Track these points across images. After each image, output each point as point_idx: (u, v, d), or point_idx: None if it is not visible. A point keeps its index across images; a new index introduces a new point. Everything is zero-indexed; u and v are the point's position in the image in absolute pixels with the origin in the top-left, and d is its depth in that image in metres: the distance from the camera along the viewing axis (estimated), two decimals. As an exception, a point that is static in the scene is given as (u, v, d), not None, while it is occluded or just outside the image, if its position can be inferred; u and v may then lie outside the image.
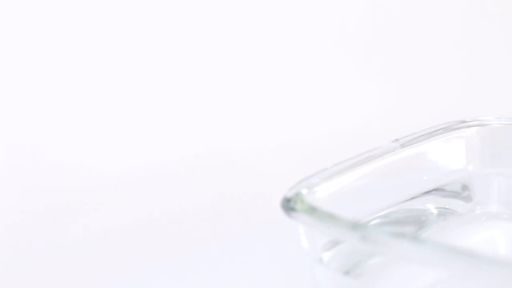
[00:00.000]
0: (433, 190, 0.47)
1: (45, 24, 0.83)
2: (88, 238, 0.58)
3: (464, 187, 0.48)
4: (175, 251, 0.59)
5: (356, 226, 0.35)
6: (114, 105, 0.78)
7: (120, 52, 0.83)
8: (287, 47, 0.88)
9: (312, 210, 0.36)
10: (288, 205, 0.37)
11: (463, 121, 0.48)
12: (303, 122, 0.82)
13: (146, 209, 0.66)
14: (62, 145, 0.76)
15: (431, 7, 0.92)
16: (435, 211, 0.47)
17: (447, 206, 0.47)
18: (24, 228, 0.63)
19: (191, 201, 0.66)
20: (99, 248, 0.57)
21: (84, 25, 0.84)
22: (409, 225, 0.45)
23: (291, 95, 0.87)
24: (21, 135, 0.76)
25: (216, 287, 0.49)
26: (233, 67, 0.87)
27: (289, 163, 0.71)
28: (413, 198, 0.46)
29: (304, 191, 0.38)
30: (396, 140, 0.47)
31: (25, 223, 0.63)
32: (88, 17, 0.83)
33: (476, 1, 0.93)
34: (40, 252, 0.57)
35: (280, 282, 0.50)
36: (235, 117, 0.84)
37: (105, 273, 0.52)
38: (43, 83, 0.79)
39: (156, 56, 0.84)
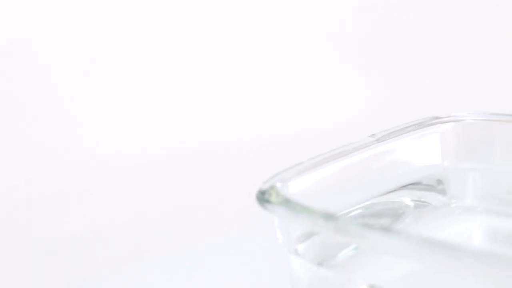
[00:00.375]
0: (409, 184, 0.48)
1: (42, 22, 0.84)
2: (68, 236, 0.60)
3: (439, 181, 0.49)
4: (159, 246, 0.60)
5: (329, 217, 0.35)
6: (98, 103, 0.79)
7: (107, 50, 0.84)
8: (273, 45, 0.89)
9: (286, 202, 0.37)
10: (263, 197, 0.38)
11: (438, 117, 0.49)
12: (288, 119, 0.84)
13: (133, 204, 0.67)
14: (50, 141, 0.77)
15: (408, 7, 0.93)
16: (411, 204, 0.48)
17: (422, 199, 0.48)
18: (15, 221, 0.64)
19: (176, 197, 0.68)
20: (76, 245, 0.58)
21: (77, 22, 0.84)
22: (385, 217, 0.46)
23: (276, 92, 0.88)
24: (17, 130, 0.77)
25: (196, 278, 0.51)
26: (219, 65, 0.88)
27: (274, 159, 0.72)
28: (389, 192, 0.47)
29: (279, 184, 0.39)
30: (373, 135, 0.48)
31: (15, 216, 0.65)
32: (80, 12, 0.84)
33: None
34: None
35: (257, 274, 0.51)
36: (222, 114, 0.85)
37: (82, 271, 0.53)
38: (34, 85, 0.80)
39: (142, 54, 0.85)
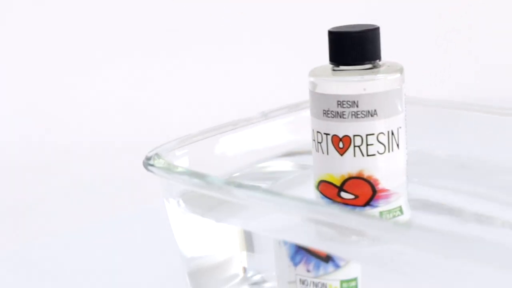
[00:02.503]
0: (289, 153, 0.57)
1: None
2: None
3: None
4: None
5: (202, 176, 0.45)
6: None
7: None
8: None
9: (168, 165, 0.47)
10: (148, 162, 0.47)
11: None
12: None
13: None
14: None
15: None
16: (289, 169, 0.57)
17: (299, 164, 0.57)
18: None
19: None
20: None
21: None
22: (265, 181, 0.56)
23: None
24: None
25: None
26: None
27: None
28: (271, 159, 0.57)
29: (162, 151, 0.49)
30: (263, 112, 0.58)
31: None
32: None
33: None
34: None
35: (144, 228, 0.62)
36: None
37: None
38: None
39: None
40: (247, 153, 0.56)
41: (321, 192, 0.47)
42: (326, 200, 0.46)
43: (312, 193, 0.48)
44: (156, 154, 0.49)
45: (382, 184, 0.45)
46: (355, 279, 0.42)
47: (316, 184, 0.47)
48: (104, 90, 0.97)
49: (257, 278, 0.50)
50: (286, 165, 0.58)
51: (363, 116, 0.44)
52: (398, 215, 0.46)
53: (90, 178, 0.81)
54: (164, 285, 0.57)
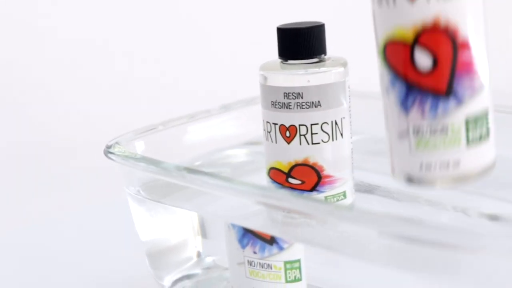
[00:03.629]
0: (247, 143, 0.60)
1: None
2: None
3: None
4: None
5: (157, 163, 0.48)
6: None
7: None
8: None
9: (126, 153, 0.50)
10: (108, 150, 0.50)
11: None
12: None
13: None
14: None
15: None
16: (246, 159, 0.60)
17: (256, 153, 0.60)
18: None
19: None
20: None
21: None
22: (223, 168, 0.59)
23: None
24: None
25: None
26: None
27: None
28: (230, 149, 0.60)
29: (123, 140, 0.51)
30: (222, 104, 0.61)
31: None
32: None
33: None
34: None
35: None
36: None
37: None
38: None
39: None
40: (206, 142, 0.59)
41: (271, 178, 0.50)
42: (276, 185, 0.49)
43: (265, 179, 0.51)
44: (117, 143, 0.52)
45: (327, 170, 0.48)
46: (298, 261, 0.45)
47: (267, 170, 0.50)
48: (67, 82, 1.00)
49: (209, 261, 0.53)
50: (243, 154, 0.61)
51: (307, 107, 0.47)
52: (342, 199, 0.49)
53: (57, 171, 0.84)
54: (128, 267, 0.59)
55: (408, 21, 0.38)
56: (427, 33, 0.38)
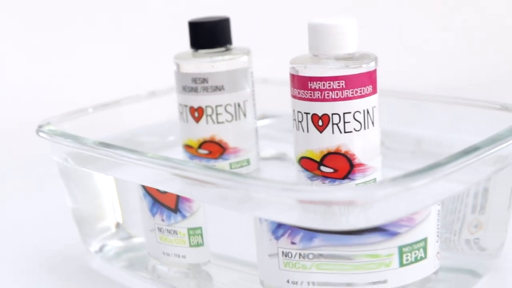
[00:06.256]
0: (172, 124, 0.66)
1: None
2: None
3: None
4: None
5: (79, 138, 0.53)
6: None
7: None
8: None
9: (54, 131, 0.55)
10: (40, 129, 0.56)
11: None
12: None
13: None
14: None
15: None
16: (164, 138, 0.66)
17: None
18: None
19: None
20: None
21: None
22: (143, 146, 0.64)
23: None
24: None
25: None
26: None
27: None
28: (153, 128, 0.65)
29: (54, 120, 0.57)
30: (151, 90, 0.66)
31: None
32: None
33: None
34: None
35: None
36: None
37: None
38: None
39: None
40: (132, 124, 0.65)
41: (186, 151, 0.56)
42: (189, 155, 0.56)
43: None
44: (48, 123, 0.57)
45: (230, 144, 0.55)
46: (200, 228, 0.51)
47: (183, 144, 0.56)
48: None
49: (129, 230, 0.58)
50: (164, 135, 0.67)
51: (212, 90, 0.53)
52: (246, 165, 0.55)
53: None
54: (61, 230, 0.65)
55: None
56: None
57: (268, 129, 0.68)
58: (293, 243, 0.44)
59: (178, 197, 0.49)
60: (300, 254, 0.44)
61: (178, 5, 1.14)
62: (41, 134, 0.56)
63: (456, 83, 1.06)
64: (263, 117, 0.69)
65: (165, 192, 0.50)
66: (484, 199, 0.50)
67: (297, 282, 0.45)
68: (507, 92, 0.95)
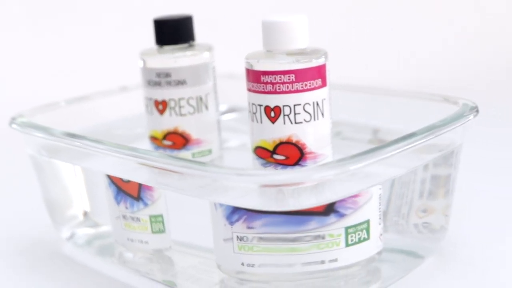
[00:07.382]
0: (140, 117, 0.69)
1: None
2: None
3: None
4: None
5: (48, 129, 0.56)
6: None
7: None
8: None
9: (26, 123, 0.58)
10: (13, 121, 0.58)
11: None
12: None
13: None
14: None
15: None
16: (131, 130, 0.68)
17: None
18: None
19: None
20: None
21: None
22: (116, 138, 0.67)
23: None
24: None
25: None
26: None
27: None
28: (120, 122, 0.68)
29: (26, 113, 0.60)
30: (122, 85, 0.69)
31: None
32: None
33: None
34: None
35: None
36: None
37: None
38: None
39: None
40: (105, 117, 0.67)
41: (152, 142, 0.59)
42: (154, 146, 0.58)
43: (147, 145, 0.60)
44: (20, 115, 0.60)
45: (193, 135, 0.57)
46: (161, 215, 0.53)
47: (149, 136, 0.59)
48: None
49: (92, 221, 0.61)
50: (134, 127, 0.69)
51: (175, 84, 0.56)
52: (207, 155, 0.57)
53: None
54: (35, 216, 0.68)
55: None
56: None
57: (236, 122, 0.71)
58: (249, 227, 0.46)
59: (140, 185, 0.52)
60: (254, 237, 0.47)
61: (150, 3, 1.17)
62: (13, 126, 0.59)
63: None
64: (231, 110, 0.72)
65: (128, 181, 0.53)
66: (433, 186, 0.53)
67: (253, 264, 0.47)
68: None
